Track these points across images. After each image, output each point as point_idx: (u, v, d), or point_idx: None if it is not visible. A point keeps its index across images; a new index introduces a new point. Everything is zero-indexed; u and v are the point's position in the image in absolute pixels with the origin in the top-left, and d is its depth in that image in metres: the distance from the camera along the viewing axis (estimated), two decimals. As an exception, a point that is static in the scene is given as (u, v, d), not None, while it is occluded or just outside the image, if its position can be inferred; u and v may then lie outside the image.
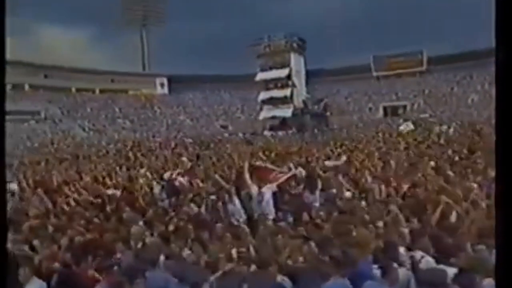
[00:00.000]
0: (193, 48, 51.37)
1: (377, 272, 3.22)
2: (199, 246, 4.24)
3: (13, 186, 8.79)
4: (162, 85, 51.04)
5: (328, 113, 33.51)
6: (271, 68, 33.27)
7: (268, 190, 5.25)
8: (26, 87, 38.78)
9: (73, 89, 43.18)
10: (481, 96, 32.78)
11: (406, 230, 4.07)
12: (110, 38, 47.41)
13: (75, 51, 43.23)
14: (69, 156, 16.50)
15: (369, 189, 5.71)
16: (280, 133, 27.91)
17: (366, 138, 16.94)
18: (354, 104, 41.00)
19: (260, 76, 33.98)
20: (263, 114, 33.79)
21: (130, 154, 13.80)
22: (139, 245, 4.55)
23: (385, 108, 39.41)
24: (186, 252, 4.20)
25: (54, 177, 9.58)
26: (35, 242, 4.92)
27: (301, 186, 5.66)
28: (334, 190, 5.63)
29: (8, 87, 34.54)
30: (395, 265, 3.20)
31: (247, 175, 5.46)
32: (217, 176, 6.54)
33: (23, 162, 13.92)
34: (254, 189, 5.30)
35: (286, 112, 32.21)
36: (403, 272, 3.23)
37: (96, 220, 5.83)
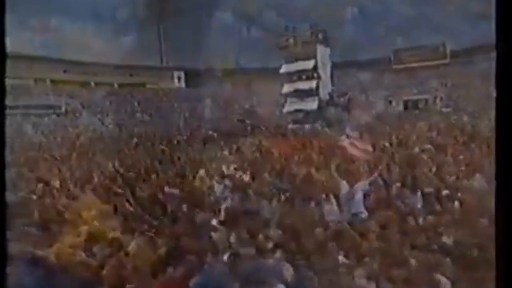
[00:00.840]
0: (210, 41, 50.77)
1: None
2: (301, 259, 3.56)
3: (55, 183, 8.34)
4: (179, 78, 50.91)
5: (352, 106, 32.70)
6: (296, 60, 32.45)
7: (359, 188, 4.57)
8: (48, 81, 39.09)
9: (92, 84, 43.28)
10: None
11: None
12: (128, 32, 47.12)
13: (94, 46, 43.17)
14: (97, 150, 16.13)
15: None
16: (307, 126, 27.22)
17: (406, 132, 16.14)
18: (374, 97, 40.02)
19: (285, 68, 33.20)
20: (287, 107, 33.08)
21: (166, 148, 13.29)
22: (226, 255, 3.92)
23: (405, 102, 38.38)
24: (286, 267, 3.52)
25: (94, 173, 9.11)
26: (96, 249, 4.36)
27: (398, 185, 4.95)
28: (431, 189, 4.91)
29: (31, 82, 35.06)
30: None
31: (334, 169, 4.79)
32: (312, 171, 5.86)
33: (54, 156, 13.60)
34: (343, 186, 4.62)
35: (311, 105, 31.42)
36: None
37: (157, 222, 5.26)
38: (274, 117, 35.32)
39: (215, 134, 22.88)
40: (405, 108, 38.05)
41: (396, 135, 13.61)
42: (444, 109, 34.74)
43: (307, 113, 30.74)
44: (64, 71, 40.87)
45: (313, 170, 5.50)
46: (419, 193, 4.73)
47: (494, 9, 1.92)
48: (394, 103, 38.70)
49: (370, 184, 4.76)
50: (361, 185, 4.65)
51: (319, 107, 31.26)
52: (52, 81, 39.44)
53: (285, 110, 33.25)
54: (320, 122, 28.27)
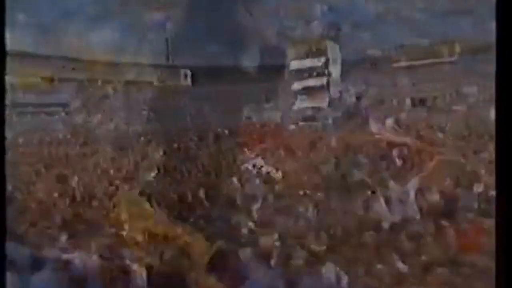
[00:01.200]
0: (216, 39, 50.46)
1: None
2: (359, 267, 3.28)
3: (74, 182, 8.14)
4: (186, 76, 50.73)
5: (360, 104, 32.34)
6: (306, 57, 32.14)
7: (412, 187, 4.23)
8: (55, 80, 39.03)
9: (100, 82, 43.15)
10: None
11: None
12: (134, 30, 46.81)
13: (101, 44, 43.02)
14: (111, 147, 15.98)
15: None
16: (318, 123, 26.99)
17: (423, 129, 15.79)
18: (380, 95, 39.49)
19: (295, 65, 32.87)
20: (297, 105, 32.77)
21: (181, 145, 13.08)
22: (273, 261, 3.65)
23: (412, 99, 37.88)
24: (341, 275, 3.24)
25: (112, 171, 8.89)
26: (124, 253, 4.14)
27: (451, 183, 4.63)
28: (480, 188, 4.58)
29: (39, 80, 34.96)
30: None
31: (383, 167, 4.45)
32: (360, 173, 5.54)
33: (67, 154, 13.44)
34: (394, 186, 4.30)
35: (322, 102, 31.14)
36: None
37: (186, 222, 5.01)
38: (282, 114, 35.12)
39: (226, 131, 22.71)
40: (413, 105, 37.64)
41: (415, 133, 13.27)
42: (453, 107, 34.32)
43: (318, 110, 30.44)
44: (73, 69, 40.81)
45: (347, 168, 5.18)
46: (475, 192, 4.41)
47: (495, 9, 2.00)
48: (400, 102, 38.27)
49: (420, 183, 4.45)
50: (413, 184, 4.32)
51: (330, 104, 30.98)
52: (60, 79, 39.39)
53: (295, 107, 32.95)
54: (331, 119, 28.00)
